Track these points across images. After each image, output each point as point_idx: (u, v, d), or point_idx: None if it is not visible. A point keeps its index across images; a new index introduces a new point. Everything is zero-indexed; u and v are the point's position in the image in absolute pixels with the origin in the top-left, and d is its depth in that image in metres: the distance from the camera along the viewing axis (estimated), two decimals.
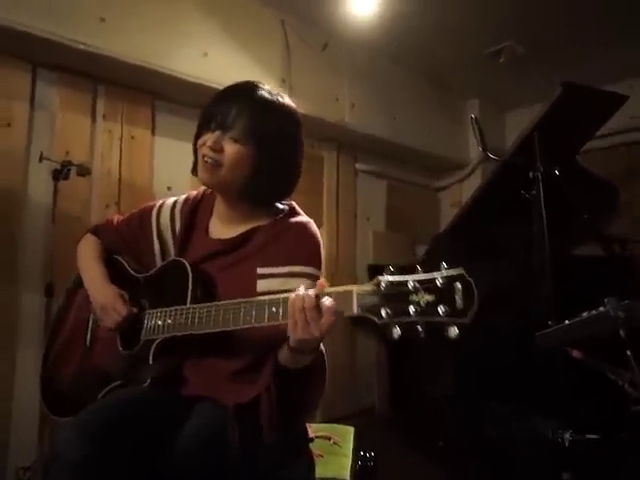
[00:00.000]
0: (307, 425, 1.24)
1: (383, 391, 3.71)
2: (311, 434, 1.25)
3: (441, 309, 0.80)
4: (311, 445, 1.23)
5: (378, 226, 4.06)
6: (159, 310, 1.16)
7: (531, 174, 2.01)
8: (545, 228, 1.93)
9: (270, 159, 1.17)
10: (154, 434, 1.02)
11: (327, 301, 0.91)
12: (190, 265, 1.18)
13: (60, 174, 2.16)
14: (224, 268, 1.20)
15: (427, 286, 0.82)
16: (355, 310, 0.88)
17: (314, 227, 1.23)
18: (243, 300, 1.02)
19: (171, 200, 1.38)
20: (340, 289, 0.92)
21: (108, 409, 1.04)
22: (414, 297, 0.82)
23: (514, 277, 2.25)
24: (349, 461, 1.40)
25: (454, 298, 0.80)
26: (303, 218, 1.25)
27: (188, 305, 1.12)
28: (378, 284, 0.86)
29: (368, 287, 0.88)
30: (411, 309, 0.82)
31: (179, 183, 2.67)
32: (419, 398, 3.09)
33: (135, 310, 1.23)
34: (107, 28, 2.39)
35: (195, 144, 1.22)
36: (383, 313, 0.84)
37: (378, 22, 3.13)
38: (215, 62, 2.75)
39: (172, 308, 1.13)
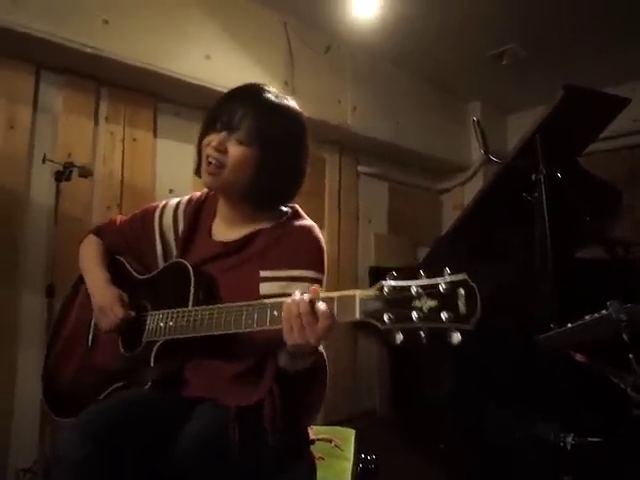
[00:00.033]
0: (308, 427, 1.23)
1: (384, 394, 3.70)
2: (312, 436, 1.25)
3: (444, 315, 0.79)
4: (312, 448, 1.23)
5: (380, 228, 4.05)
6: (161, 312, 1.16)
7: (533, 177, 2.01)
8: (547, 231, 1.93)
9: (274, 162, 1.17)
10: (155, 436, 1.02)
11: (323, 306, 0.91)
12: (192, 267, 1.18)
13: (62, 175, 2.17)
14: (226, 270, 1.19)
15: (430, 292, 0.81)
16: (358, 315, 0.88)
17: (317, 231, 1.22)
18: (245, 303, 1.02)
19: (174, 201, 1.38)
20: (342, 294, 0.92)
21: (110, 410, 1.04)
22: (417, 303, 0.82)
23: (516, 280, 2.25)
24: (350, 464, 1.40)
25: (457, 304, 0.79)
26: (306, 221, 1.24)
27: (190, 307, 1.12)
28: (381, 289, 0.86)
29: (371, 292, 0.87)
30: (414, 315, 0.81)
31: (181, 185, 2.67)
32: (420, 401, 3.09)
33: (133, 313, 1.22)
34: (110, 30, 2.40)
35: (199, 144, 1.22)
36: (386, 318, 0.83)
37: (380, 25, 3.14)
38: (217, 64, 2.76)
39: (174, 310, 1.13)
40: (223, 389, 1.11)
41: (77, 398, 1.24)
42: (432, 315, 0.80)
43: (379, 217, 4.06)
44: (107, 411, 1.04)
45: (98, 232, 1.43)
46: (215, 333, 1.05)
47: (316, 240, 1.21)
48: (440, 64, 3.71)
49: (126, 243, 1.38)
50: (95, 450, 0.93)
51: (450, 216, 4.25)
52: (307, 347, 0.95)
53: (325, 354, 1.13)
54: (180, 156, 2.82)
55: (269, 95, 1.19)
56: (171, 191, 2.74)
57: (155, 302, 1.22)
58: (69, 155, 2.42)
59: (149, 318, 1.18)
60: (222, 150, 1.15)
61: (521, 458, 2.16)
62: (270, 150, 1.16)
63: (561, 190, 2.02)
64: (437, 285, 0.81)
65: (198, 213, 1.33)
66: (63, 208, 2.23)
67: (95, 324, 1.31)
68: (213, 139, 1.16)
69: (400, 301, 0.83)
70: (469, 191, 4.26)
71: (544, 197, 1.96)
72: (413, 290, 0.82)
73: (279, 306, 0.96)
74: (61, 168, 2.17)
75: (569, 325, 1.48)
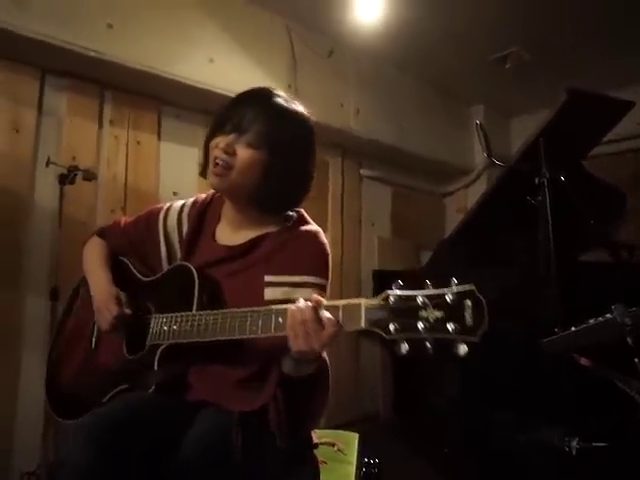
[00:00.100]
0: (312, 431, 1.23)
1: (387, 397, 3.69)
2: (315, 440, 1.24)
3: (450, 326, 0.78)
4: (315, 452, 1.22)
5: (383, 232, 4.05)
6: (165, 315, 1.15)
7: (537, 180, 2.00)
8: (551, 234, 1.92)
9: (282, 165, 1.17)
10: (159, 439, 1.01)
11: (327, 313, 0.91)
12: (197, 271, 1.17)
13: (66, 179, 2.18)
14: (230, 274, 1.19)
15: (436, 302, 0.81)
16: (363, 324, 0.87)
17: (323, 236, 1.22)
18: (250, 309, 1.02)
19: (179, 203, 1.38)
20: (348, 302, 0.91)
21: (114, 413, 1.04)
22: (423, 313, 0.81)
23: (520, 283, 2.24)
24: (353, 469, 1.39)
25: (464, 315, 0.79)
26: (312, 227, 1.24)
27: (194, 312, 1.11)
28: (386, 298, 0.85)
29: (376, 301, 0.87)
30: (420, 325, 0.80)
31: (185, 188, 2.68)
32: (423, 404, 3.08)
33: (129, 311, 1.22)
34: (114, 35, 2.41)
35: (206, 146, 1.21)
36: (391, 328, 0.83)
37: (383, 29, 3.14)
38: (221, 68, 2.77)
39: (178, 314, 1.12)
40: (227, 394, 1.10)
41: (80, 400, 1.24)
42: (438, 326, 0.80)
43: (382, 220, 4.06)
44: (111, 414, 1.03)
45: (102, 233, 1.43)
46: (219, 339, 1.04)
47: (321, 245, 1.20)
48: (443, 68, 3.71)
49: (130, 244, 1.38)
50: (99, 453, 0.92)
51: (453, 219, 4.25)
52: (312, 354, 0.95)
53: (327, 359, 1.13)
54: (184, 159, 2.84)
55: (279, 99, 1.19)
56: (175, 194, 2.75)
57: (159, 305, 1.21)
58: (73, 158, 2.43)
59: (153, 321, 1.18)
60: (230, 152, 1.14)
61: (525, 463, 2.15)
62: (279, 154, 1.16)
63: (565, 193, 2.01)
64: (443, 295, 0.81)
65: (203, 215, 1.33)
66: (67, 211, 2.24)
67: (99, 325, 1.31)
68: (222, 141, 1.15)
69: (406, 311, 0.83)
70: (472, 194, 4.27)
71: (548, 200, 1.96)
72: (419, 300, 0.82)
73: (284, 313, 0.96)
74: (65, 171, 2.18)
75: (573, 329, 1.47)
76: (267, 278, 1.14)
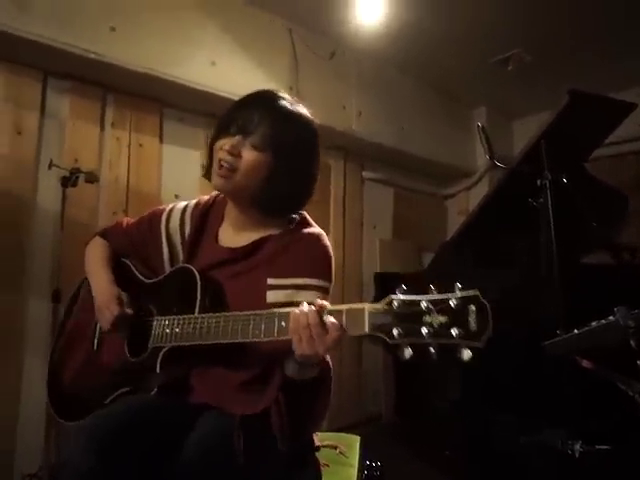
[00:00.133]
0: (313, 434, 1.23)
1: (389, 399, 3.68)
2: (317, 443, 1.24)
3: (454, 331, 0.78)
4: (317, 454, 1.22)
5: (385, 234, 4.05)
6: (167, 318, 1.15)
7: (539, 182, 2.00)
8: (553, 236, 1.92)
9: (287, 168, 1.17)
10: (161, 442, 1.01)
11: (331, 317, 0.91)
12: (199, 273, 1.17)
13: (69, 181, 2.18)
14: (233, 276, 1.19)
15: (441, 307, 0.80)
16: (366, 329, 0.87)
17: (326, 239, 1.22)
18: (252, 312, 1.01)
19: (182, 204, 1.38)
20: (351, 307, 0.91)
21: (117, 415, 1.04)
22: (427, 318, 0.81)
23: (522, 285, 2.24)
24: (355, 471, 1.39)
25: (468, 320, 0.78)
26: (315, 230, 1.23)
27: (196, 314, 1.11)
28: (390, 303, 0.85)
29: (380, 306, 0.87)
30: (423, 330, 0.80)
31: (187, 190, 2.68)
32: (426, 407, 3.07)
33: (130, 311, 1.22)
34: (117, 37, 2.42)
35: (210, 148, 1.21)
36: (395, 333, 0.83)
37: (385, 31, 3.15)
38: (223, 70, 2.77)
39: (180, 317, 1.12)
40: (229, 397, 1.10)
41: (82, 401, 1.24)
42: (442, 331, 0.79)
43: (384, 223, 4.06)
44: (114, 416, 1.03)
45: (104, 234, 1.43)
46: (221, 342, 1.04)
47: (324, 248, 1.20)
48: (445, 70, 3.71)
49: (132, 245, 1.38)
50: (101, 455, 0.93)
51: (455, 221, 4.25)
52: (315, 358, 0.95)
53: (330, 361, 1.13)
54: (186, 161, 2.84)
55: (284, 102, 1.19)
56: (177, 196, 2.75)
57: (161, 307, 1.21)
58: (75, 161, 2.43)
59: (155, 323, 1.18)
60: (235, 154, 1.14)
61: (528, 466, 2.14)
62: (283, 156, 1.16)
63: (567, 195, 2.01)
64: (448, 300, 0.80)
65: (205, 217, 1.33)
66: (69, 213, 2.24)
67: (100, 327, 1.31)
68: (226, 143, 1.15)
69: (410, 316, 0.83)
70: (474, 196, 4.26)
71: (549, 202, 1.96)
72: (423, 305, 0.82)
73: (287, 316, 0.96)
74: (67, 174, 2.19)
75: (575, 331, 1.46)
76: (270, 281, 1.14)
